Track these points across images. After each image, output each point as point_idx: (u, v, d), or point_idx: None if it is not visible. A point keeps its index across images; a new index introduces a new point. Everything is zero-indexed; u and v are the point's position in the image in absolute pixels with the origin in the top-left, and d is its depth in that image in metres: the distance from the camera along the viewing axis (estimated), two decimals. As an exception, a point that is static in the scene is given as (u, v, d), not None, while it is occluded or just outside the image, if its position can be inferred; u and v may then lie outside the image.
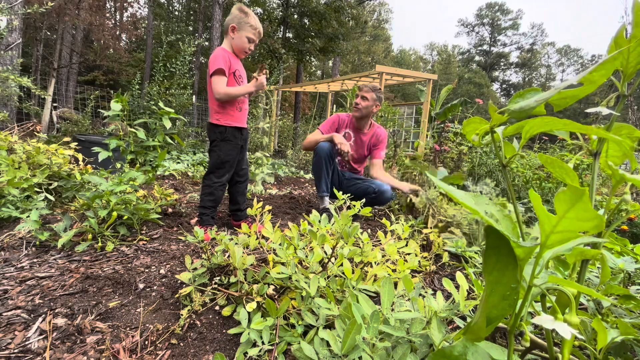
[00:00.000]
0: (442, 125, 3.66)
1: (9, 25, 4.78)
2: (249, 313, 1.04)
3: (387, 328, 0.82)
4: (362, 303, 0.88)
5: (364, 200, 1.56)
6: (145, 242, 1.76)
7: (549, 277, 0.54)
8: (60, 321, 1.09)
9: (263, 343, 0.95)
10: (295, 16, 13.32)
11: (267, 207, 1.56)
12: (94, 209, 1.76)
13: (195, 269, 1.26)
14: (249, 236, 1.35)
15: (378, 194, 2.48)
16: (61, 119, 6.49)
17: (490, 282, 0.50)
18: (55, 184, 2.21)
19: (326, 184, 2.49)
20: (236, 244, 1.32)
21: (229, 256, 1.37)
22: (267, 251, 1.37)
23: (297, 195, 3.39)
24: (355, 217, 2.40)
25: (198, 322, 1.12)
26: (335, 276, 1.19)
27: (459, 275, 1.01)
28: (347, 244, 1.19)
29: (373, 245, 1.49)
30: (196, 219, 2.11)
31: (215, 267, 1.31)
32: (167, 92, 5.91)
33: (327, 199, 2.51)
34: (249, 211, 1.48)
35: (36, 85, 5.69)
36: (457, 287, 1.26)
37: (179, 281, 1.35)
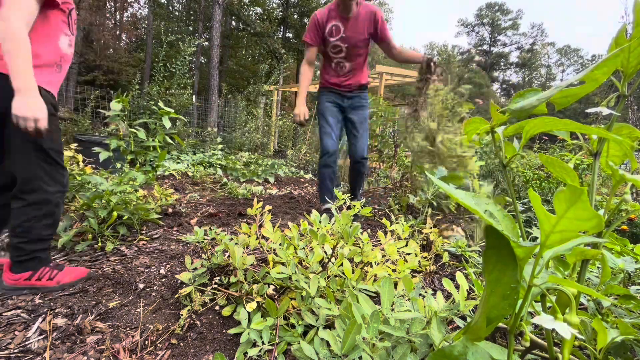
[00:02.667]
0: (442, 125, 3.65)
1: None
2: (249, 313, 1.04)
3: (387, 328, 0.82)
4: (362, 303, 0.88)
5: (363, 200, 1.56)
6: (145, 242, 1.76)
7: (549, 277, 0.54)
8: (60, 321, 1.09)
9: (263, 343, 0.95)
10: (295, 16, 13.33)
11: (267, 207, 1.56)
12: (94, 209, 1.76)
13: (195, 269, 1.26)
14: (249, 236, 1.35)
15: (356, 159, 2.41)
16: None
17: (490, 282, 0.50)
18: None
19: (330, 196, 2.40)
20: (236, 244, 1.32)
21: (228, 256, 1.37)
22: (267, 251, 1.36)
23: (297, 195, 3.39)
24: (355, 218, 2.39)
25: (198, 322, 1.12)
26: (336, 276, 1.19)
27: (459, 275, 1.01)
28: (347, 244, 1.19)
29: (373, 245, 1.49)
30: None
31: (215, 267, 1.31)
32: (167, 92, 5.92)
33: (328, 205, 2.45)
34: (248, 211, 1.44)
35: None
36: (457, 287, 1.26)
37: (179, 281, 1.35)
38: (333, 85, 2.46)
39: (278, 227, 1.34)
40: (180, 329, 1.08)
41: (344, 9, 2.24)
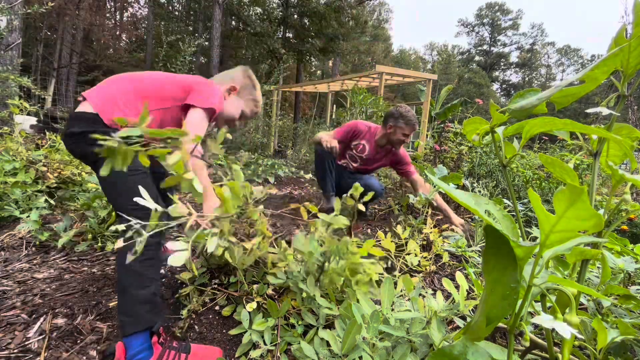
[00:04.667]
0: (442, 125, 3.66)
1: (9, 25, 4.78)
2: (249, 313, 1.04)
3: (387, 328, 0.82)
4: (362, 303, 0.88)
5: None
6: (145, 242, 1.76)
7: (549, 276, 0.54)
8: (60, 321, 1.09)
9: (265, 344, 0.95)
10: (295, 16, 13.31)
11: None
12: (94, 209, 1.76)
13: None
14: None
15: (366, 190, 2.42)
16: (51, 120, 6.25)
17: (490, 281, 0.50)
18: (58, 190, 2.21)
19: (331, 184, 2.44)
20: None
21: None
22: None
23: (297, 195, 3.39)
24: (360, 217, 2.37)
25: (198, 322, 1.12)
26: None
27: (458, 275, 1.01)
28: (337, 257, 1.16)
29: (373, 246, 1.49)
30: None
31: (214, 267, 1.31)
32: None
33: (333, 198, 2.47)
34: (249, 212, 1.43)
35: (36, 85, 5.69)
36: (457, 287, 1.26)
37: (179, 281, 1.35)
38: (339, 163, 2.57)
39: (278, 227, 1.34)
40: (180, 329, 1.08)
41: (380, 144, 2.42)
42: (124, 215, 0.92)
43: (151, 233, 0.81)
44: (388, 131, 2.35)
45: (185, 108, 1.15)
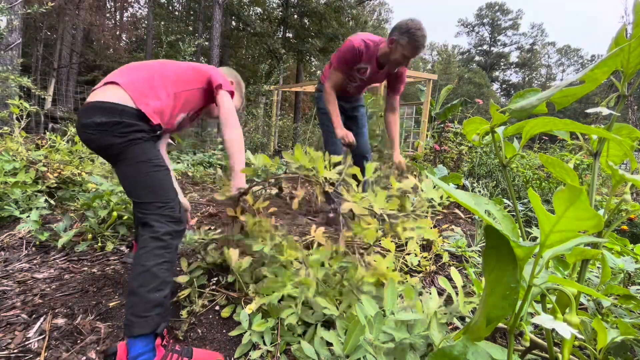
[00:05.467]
0: (442, 125, 3.66)
1: (9, 25, 4.77)
2: (249, 314, 1.04)
3: (390, 329, 0.81)
4: (365, 304, 0.88)
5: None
6: (145, 242, 1.76)
7: (549, 276, 0.54)
8: (60, 321, 1.09)
9: (265, 344, 0.95)
10: (295, 16, 13.32)
11: (265, 203, 1.55)
12: (94, 209, 1.76)
13: (192, 271, 1.26)
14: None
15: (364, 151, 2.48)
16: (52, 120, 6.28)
17: (490, 281, 0.50)
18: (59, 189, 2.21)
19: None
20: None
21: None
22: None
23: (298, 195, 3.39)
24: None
25: (198, 323, 1.12)
26: (334, 274, 1.18)
27: (453, 271, 1.00)
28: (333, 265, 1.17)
29: (373, 245, 1.48)
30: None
31: (212, 266, 1.31)
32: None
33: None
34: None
35: (36, 85, 5.69)
36: (456, 287, 1.26)
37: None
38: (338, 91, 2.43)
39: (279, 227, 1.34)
40: (180, 330, 1.08)
41: (383, 61, 2.12)
42: (146, 211, 0.99)
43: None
44: (390, 46, 1.96)
45: (212, 87, 1.30)
